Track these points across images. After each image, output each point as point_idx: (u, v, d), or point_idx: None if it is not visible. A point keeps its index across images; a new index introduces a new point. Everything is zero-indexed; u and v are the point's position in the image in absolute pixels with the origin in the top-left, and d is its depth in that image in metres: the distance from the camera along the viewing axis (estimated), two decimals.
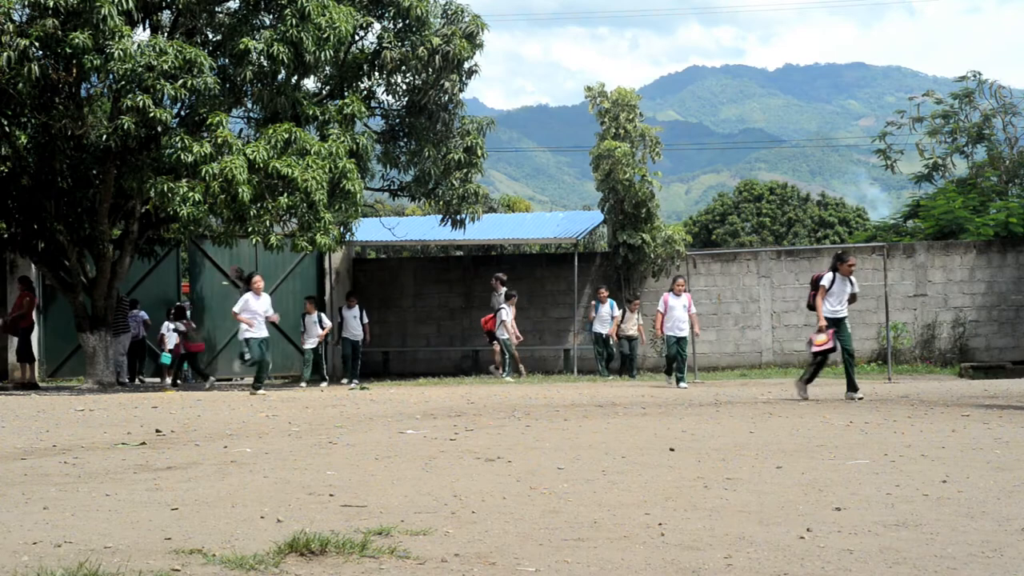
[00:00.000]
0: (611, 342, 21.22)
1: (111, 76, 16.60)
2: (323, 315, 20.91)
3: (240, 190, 16.41)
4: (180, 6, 17.98)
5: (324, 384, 20.23)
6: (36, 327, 21.07)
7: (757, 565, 4.15)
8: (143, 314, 21.69)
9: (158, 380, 21.53)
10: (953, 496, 5.74)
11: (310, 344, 20.46)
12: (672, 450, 7.91)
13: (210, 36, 19.15)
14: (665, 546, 4.50)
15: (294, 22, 17.23)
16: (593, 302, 21.91)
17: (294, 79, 18.38)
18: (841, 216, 49.76)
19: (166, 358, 21.28)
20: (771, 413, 11.33)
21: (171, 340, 21.14)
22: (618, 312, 21.25)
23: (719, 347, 23.10)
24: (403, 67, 19.28)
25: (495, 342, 21.03)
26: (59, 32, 16.14)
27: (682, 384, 17.41)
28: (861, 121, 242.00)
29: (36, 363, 20.40)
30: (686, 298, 18.02)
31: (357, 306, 21.08)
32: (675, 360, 17.77)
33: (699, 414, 11.41)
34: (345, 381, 20.59)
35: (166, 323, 21.28)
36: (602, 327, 21.15)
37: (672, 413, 11.56)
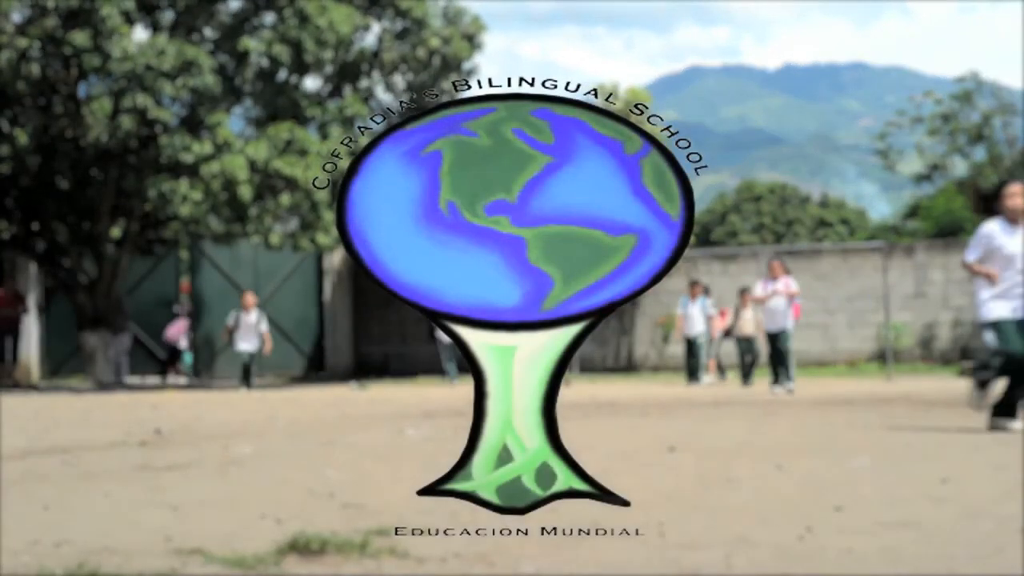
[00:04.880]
0: (704, 343, 18.04)
1: (110, 76, 16.63)
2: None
3: (240, 190, 16.43)
4: (181, 7, 17.99)
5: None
6: (29, 326, 20.94)
7: (757, 565, 4.15)
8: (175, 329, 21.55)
9: (161, 378, 21.58)
10: (953, 496, 5.73)
11: (244, 346, 17.75)
12: (672, 450, 7.91)
13: (210, 36, 19.16)
14: (665, 546, 4.50)
15: (294, 23, 17.25)
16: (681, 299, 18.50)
17: (294, 79, 18.40)
18: (841, 216, 49.71)
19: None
20: (771, 413, 11.32)
21: (183, 338, 21.31)
22: (713, 311, 18.42)
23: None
24: (403, 67, 19.30)
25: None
26: (59, 32, 16.16)
27: (788, 386, 15.05)
28: (861, 121, 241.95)
29: (17, 364, 20.20)
30: (783, 283, 15.13)
31: None
32: (778, 359, 15.29)
33: (699, 414, 11.41)
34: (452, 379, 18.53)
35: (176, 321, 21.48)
36: (692, 328, 17.84)
37: (672, 413, 11.56)
